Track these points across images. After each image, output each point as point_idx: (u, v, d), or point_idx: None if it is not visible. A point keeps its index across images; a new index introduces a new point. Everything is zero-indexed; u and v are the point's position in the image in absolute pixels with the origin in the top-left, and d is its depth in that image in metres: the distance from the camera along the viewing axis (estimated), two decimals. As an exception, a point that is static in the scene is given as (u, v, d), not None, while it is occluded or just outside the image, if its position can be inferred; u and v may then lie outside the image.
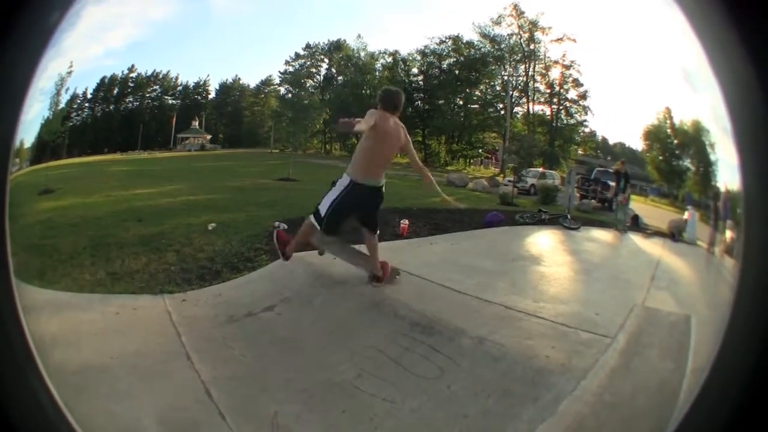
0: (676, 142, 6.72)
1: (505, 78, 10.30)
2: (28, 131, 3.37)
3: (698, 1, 0.94)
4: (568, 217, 6.35)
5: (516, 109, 10.39)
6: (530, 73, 10.08)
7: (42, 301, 3.11)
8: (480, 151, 11.10)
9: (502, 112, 10.42)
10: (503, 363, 2.63)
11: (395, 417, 2.28)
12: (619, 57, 7.19)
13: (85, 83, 8.15)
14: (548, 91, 10.03)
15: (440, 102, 10.86)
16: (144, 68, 9.23)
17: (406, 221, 5.20)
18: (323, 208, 3.52)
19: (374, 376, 2.57)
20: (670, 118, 6.79)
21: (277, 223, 4.12)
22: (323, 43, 10.54)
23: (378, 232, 3.70)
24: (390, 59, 10.77)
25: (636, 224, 6.29)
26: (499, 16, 9.89)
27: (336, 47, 10.62)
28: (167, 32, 7.43)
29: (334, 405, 2.37)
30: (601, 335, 2.94)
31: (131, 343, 2.80)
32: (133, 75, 9.27)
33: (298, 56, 10.36)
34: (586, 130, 9.81)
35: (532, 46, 9.86)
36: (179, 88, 9.87)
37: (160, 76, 9.61)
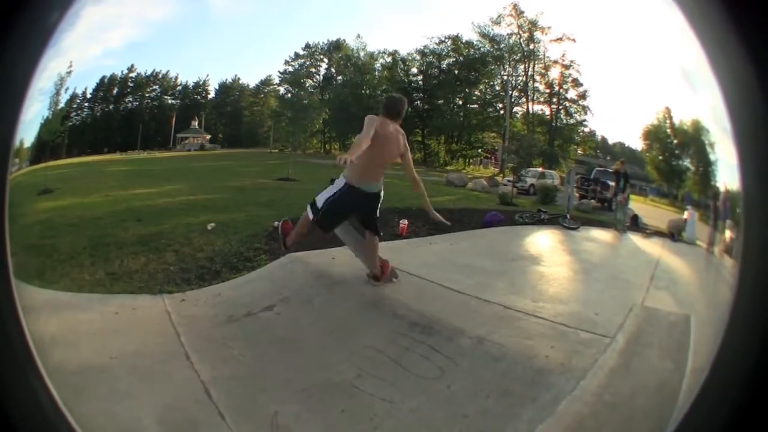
0: (675, 141, 6.73)
1: (505, 78, 10.32)
2: (27, 131, 3.36)
3: (698, 1, 0.94)
4: (568, 216, 6.35)
5: (515, 108, 10.42)
6: (530, 73, 10.10)
7: (41, 301, 3.10)
8: (479, 150, 11.11)
9: (502, 111, 10.43)
10: (503, 363, 2.62)
11: (395, 417, 2.28)
12: (619, 57, 7.22)
13: (84, 83, 8.18)
14: (548, 90, 10.05)
15: (440, 102, 10.86)
16: (143, 68, 9.26)
17: (406, 221, 5.20)
18: (320, 202, 3.49)
19: (374, 376, 2.57)
20: (670, 117, 6.81)
21: (276, 224, 4.12)
22: (323, 42, 10.57)
23: (381, 234, 3.65)
24: (389, 59, 10.79)
25: (635, 224, 6.30)
26: (499, 16, 9.92)
27: (335, 47, 10.63)
28: (166, 32, 7.45)
29: (334, 405, 2.36)
30: (600, 335, 2.94)
31: (130, 343, 2.79)
32: (132, 75, 9.29)
33: (297, 56, 10.38)
34: (586, 129, 9.85)
35: (531, 46, 9.88)
36: (179, 88, 9.90)
37: (160, 76, 9.63)
